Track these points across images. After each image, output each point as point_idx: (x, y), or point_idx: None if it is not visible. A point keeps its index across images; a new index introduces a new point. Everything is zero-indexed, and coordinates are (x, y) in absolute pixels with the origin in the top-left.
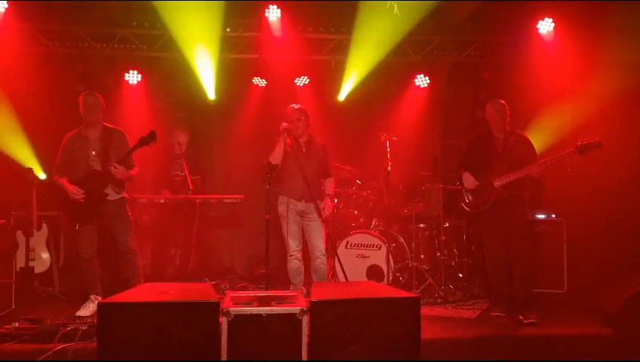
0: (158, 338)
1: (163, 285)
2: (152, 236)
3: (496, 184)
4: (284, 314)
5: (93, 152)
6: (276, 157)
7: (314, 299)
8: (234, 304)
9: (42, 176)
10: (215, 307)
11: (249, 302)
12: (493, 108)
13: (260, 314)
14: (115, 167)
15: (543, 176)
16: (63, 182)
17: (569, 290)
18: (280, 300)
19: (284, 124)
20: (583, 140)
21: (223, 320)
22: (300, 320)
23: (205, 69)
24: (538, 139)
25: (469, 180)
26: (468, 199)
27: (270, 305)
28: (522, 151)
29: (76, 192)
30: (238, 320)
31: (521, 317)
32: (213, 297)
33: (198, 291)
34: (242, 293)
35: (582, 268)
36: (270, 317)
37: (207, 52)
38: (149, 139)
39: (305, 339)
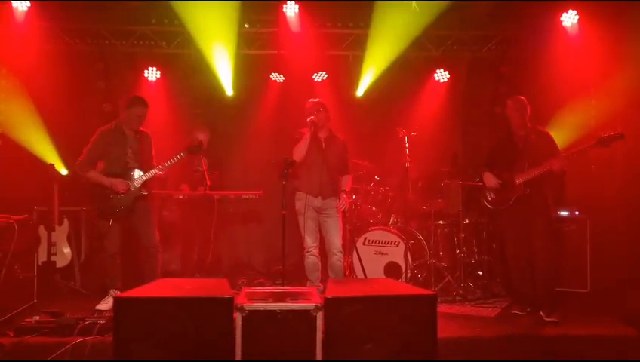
0: (173, 333)
1: (179, 280)
2: (173, 231)
3: (518, 181)
4: (298, 310)
5: (130, 150)
6: (300, 151)
7: (328, 295)
8: (248, 300)
9: (64, 171)
10: (229, 303)
11: (264, 298)
12: (512, 104)
13: (274, 311)
14: (164, 169)
15: (565, 172)
16: (100, 176)
17: (592, 290)
18: (295, 296)
19: (312, 117)
20: (605, 132)
21: (238, 316)
22: (315, 317)
23: (223, 65)
24: (561, 135)
25: (489, 179)
26: (490, 197)
27: (284, 301)
28: (544, 148)
29: (121, 185)
30: (252, 316)
31: (542, 314)
32: (227, 293)
33: (212, 287)
34: (257, 289)
35: (606, 267)
36: (284, 313)
37: (225, 48)
38: (195, 149)
39: (319, 336)
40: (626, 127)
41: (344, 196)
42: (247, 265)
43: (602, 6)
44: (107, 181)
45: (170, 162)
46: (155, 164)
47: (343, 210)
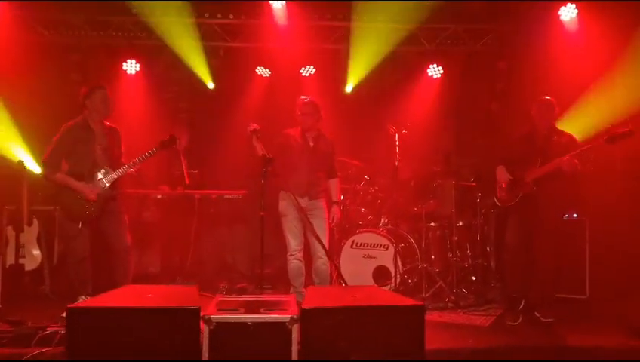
0: (132, 347)
1: (145, 287)
2: (153, 233)
3: (528, 178)
4: (271, 322)
5: (99, 147)
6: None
7: (306, 306)
8: (218, 310)
9: (38, 170)
10: (195, 314)
11: (235, 308)
12: (540, 106)
13: (246, 323)
14: (136, 167)
15: (576, 172)
16: (69, 179)
17: (591, 296)
18: (270, 306)
19: (253, 126)
20: (614, 129)
21: (205, 329)
22: (290, 330)
23: (204, 58)
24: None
25: (502, 174)
26: (500, 194)
27: (258, 312)
28: (561, 148)
29: (90, 192)
30: (220, 329)
31: (538, 315)
32: (193, 303)
33: (178, 295)
34: (230, 298)
35: (606, 273)
36: (256, 325)
37: (206, 41)
38: (168, 143)
39: (295, 351)
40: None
41: (337, 210)
42: (232, 267)
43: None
44: (75, 185)
45: (142, 158)
46: (125, 161)
47: (333, 224)
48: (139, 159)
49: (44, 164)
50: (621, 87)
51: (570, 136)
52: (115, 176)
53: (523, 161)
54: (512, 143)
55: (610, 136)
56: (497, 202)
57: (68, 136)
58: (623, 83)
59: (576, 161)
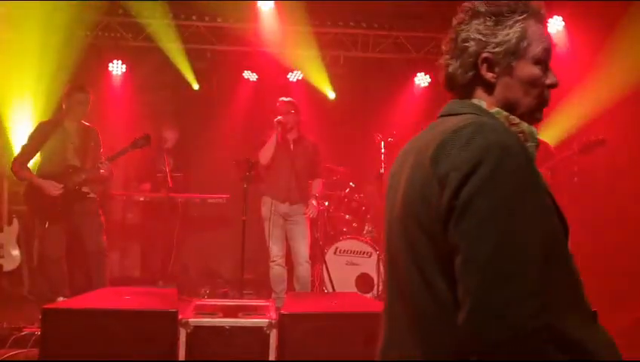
0: (108, 349)
1: (123, 289)
2: (135, 235)
3: None
4: (249, 327)
5: (71, 146)
6: (266, 154)
7: (284, 311)
8: (195, 314)
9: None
10: (173, 317)
11: (213, 312)
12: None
13: (223, 327)
14: (105, 166)
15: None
16: (32, 176)
17: None
18: (248, 311)
19: (279, 117)
20: (585, 138)
21: (181, 332)
22: (268, 335)
23: (191, 61)
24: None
25: None
26: None
27: (236, 317)
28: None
29: (53, 188)
30: (197, 332)
31: None
32: (171, 306)
33: (156, 298)
34: (208, 302)
35: (590, 284)
36: (234, 329)
37: (192, 43)
38: (142, 142)
39: (273, 356)
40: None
41: (313, 202)
42: (215, 272)
43: (590, 11)
44: (38, 182)
45: (111, 158)
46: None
47: (312, 217)
48: (108, 159)
49: (14, 160)
50: (604, 98)
51: (544, 143)
52: (84, 176)
53: None
54: None
55: (582, 146)
56: None
57: (39, 133)
58: (605, 96)
59: (548, 173)
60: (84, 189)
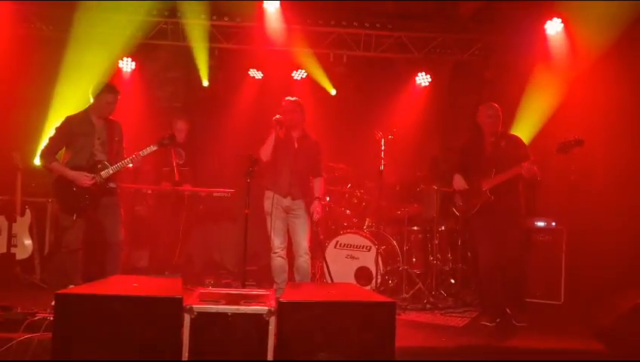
0: (117, 333)
1: (131, 278)
2: (143, 227)
3: (484, 187)
4: (250, 313)
5: (98, 141)
6: (266, 151)
7: (283, 299)
8: (199, 301)
9: (35, 161)
10: (178, 303)
11: (216, 299)
12: (485, 111)
13: (225, 313)
14: (136, 160)
15: (537, 177)
16: (63, 168)
17: (566, 302)
18: (250, 299)
19: (277, 116)
20: (564, 138)
21: (186, 318)
22: (267, 321)
23: (200, 59)
24: (545, 141)
25: (458, 181)
26: (458, 203)
27: (238, 304)
28: (513, 154)
29: (85, 179)
30: (201, 318)
31: (512, 320)
32: (176, 293)
33: (163, 286)
34: (212, 290)
35: (581, 280)
36: (235, 316)
37: (202, 42)
38: (167, 141)
39: (272, 341)
40: (610, 136)
41: (318, 205)
42: (219, 264)
43: (587, 14)
44: (70, 174)
45: (141, 154)
46: (126, 155)
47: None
48: (139, 155)
49: (41, 152)
50: (599, 100)
51: (518, 139)
52: (112, 171)
53: (476, 169)
54: (461, 150)
55: (560, 146)
56: (456, 212)
57: (66, 127)
58: (602, 97)
59: (535, 167)
60: (111, 184)
